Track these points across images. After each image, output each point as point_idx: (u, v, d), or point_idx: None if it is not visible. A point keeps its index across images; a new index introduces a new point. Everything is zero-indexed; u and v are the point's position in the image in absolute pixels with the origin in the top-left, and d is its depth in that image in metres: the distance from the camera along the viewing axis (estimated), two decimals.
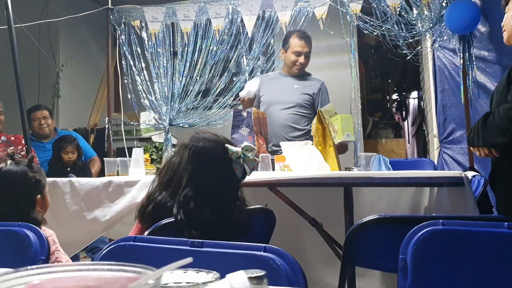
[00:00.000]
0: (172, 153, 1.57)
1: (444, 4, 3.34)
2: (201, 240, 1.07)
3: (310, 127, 2.92)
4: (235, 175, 1.50)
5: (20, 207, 1.68)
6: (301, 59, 3.16)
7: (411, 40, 3.61)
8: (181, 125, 4.34)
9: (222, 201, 1.48)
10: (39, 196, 1.76)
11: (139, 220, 1.52)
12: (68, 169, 3.67)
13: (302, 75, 3.26)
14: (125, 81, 4.33)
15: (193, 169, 1.47)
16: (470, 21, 3.14)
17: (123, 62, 4.36)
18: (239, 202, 1.54)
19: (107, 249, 1.14)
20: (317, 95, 3.19)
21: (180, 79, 4.27)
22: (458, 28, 3.26)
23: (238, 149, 1.50)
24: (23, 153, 3.13)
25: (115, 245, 1.14)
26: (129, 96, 4.34)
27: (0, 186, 1.70)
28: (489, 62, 3.39)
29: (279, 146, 2.83)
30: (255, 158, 1.52)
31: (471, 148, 2.16)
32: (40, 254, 1.32)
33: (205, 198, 1.45)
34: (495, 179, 2.01)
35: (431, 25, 3.45)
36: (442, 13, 3.34)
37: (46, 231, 1.69)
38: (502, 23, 2.02)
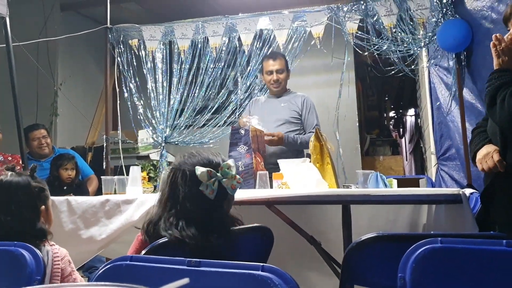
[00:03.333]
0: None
1: (439, 23, 3.39)
2: (198, 260, 1.06)
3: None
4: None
5: (24, 217, 1.66)
6: (274, 76, 3.33)
7: (406, 59, 3.65)
8: (176, 142, 4.34)
9: (205, 221, 1.47)
10: (43, 206, 1.74)
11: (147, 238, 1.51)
12: (65, 187, 3.66)
13: (285, 93, 3.41)
14: (124, 99, 4.34)
15: (173, 191, 1.50)
16: (461, 40, 3.17)
17: (121, 80, 4.38)
18: (227, 220, 1.52)
19: (103, 269, 1.12)
20: (301, 110, 3.32)
21: (176, 97, 4.28)
22: (450, 47, 3.30)
23: (204, 169, 1.45)
24: None
25: (111, 264, 1.13)
26: (127, 114, 4.34)
27: (3, 196, 1.68)
28: (484, 79, 3.41)
29: (273, 163, 2.84)
30: (237, 176, 1.51)
31: (473, 162, 2.12)
32: (35, 274, 1.30)
33: (189, 219, 1.45)
34: (492, 196, 2.00)
35: (421, 44, 3.49)
36: (435, 32, 3.38)
37: (60, 250, 1.67)
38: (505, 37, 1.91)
